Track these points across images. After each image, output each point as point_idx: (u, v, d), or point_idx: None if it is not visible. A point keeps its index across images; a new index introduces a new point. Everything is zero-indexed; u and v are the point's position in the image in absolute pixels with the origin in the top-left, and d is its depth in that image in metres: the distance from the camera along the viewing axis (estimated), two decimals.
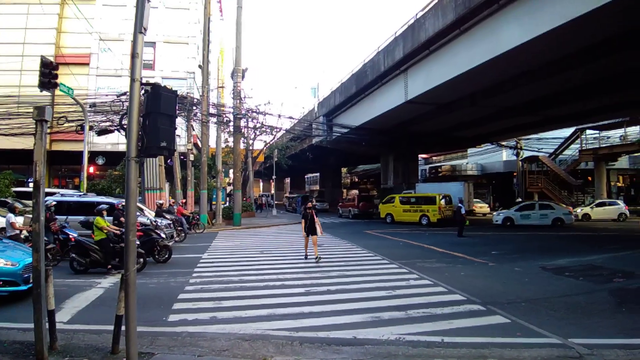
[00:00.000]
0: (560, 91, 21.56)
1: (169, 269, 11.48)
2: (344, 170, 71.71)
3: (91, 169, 24.77)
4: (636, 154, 35.56)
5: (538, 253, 14.32)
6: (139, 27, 4.50)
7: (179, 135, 20.07)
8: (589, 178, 38.26)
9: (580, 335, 6.10)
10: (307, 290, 8.92)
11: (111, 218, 11.90)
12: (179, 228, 18.29)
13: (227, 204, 33.26)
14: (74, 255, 10.84)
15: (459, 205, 20.62)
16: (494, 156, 43.68)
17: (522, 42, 15.03)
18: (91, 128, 20.54)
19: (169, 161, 23.59)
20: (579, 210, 30.88)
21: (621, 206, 30.69)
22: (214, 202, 28.89)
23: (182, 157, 25.04)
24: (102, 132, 13.84)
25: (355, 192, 59.84)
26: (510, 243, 17.40)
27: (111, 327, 5.25)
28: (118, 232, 10.63)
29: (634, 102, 23.86)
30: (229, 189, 41.06)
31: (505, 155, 42.45)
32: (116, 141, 27.80)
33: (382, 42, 24.62)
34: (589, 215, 29.87)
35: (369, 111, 28.36)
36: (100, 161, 28.64)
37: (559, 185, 38.27)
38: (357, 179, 74.74)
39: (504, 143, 38.90)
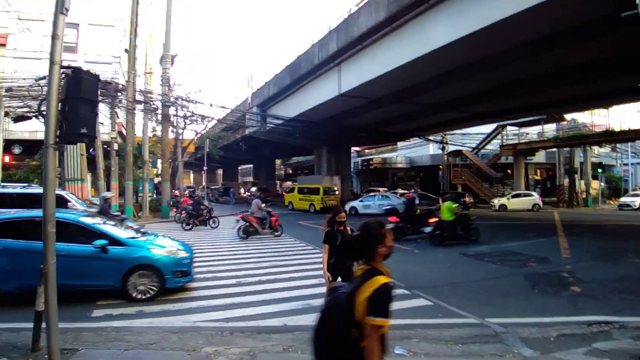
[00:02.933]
0: (483, 90, 22.65)
1: None
2: (278, 161, 71.52)
3: (7, 159, 22.86)
4: (552, 150, 38.41)
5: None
6: (60, 8, 4.26)
7: (102, 123, 18.90)
8: (509, 171, 40.78)
9: (497, 315, 6.61)
10: (239, 282, 8.92)
11: None
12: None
13: (155, 196, 32.08)
14: None
15: (413, 196, 21.96)
16: (422, 150, 45.32)
17: (449, 41, 15.66)
18: (7, 114, 18.94)
19: (91, 150, 22.30)
20: (496, 201, 33.06)
21: (535, 197, 33.23)
22: (140, 194, 27.75)
23: (105, 146, 23.77)
24: (19, 118, 12.86)
25: (289, 183, 60.01)
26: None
27: (31, 325, 4.96)
28: None
29: (551, 102, 25.66)
30: (156, 180, 39.60)
31: (432, 149, 44.14)
32: (34, 129, 25.67)
33: (318, 35, 24.78)
34: (505, 205, 32.06)
35: (303, 103, 28.46)
36: (17, 150, 26.40)
37: (481, 177, 40.55)
38: (291, 171, 74.86)
39: (431, 137, 40.39)
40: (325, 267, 5.86)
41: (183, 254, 8.18)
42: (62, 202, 13.58)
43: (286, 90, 30.04)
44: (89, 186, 23.02)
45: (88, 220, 7.98)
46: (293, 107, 30.02)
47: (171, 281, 7.71)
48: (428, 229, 14.72)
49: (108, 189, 23.05)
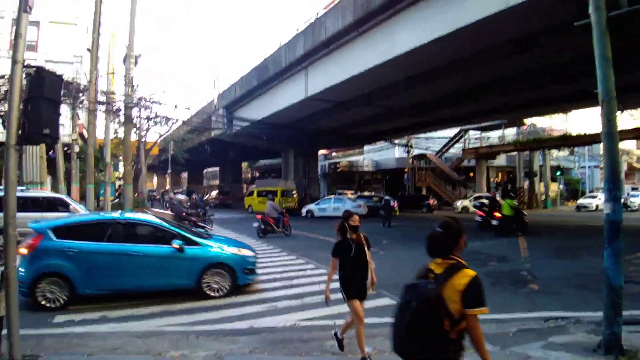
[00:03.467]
0: (447, 94, 23.13)
1: None
2: (244, 164, 70.88)
3: None
4: (512, 153, 39.69)
5: (423, 242, 15.41)
6: (24, 6, 4.18)
7: (62, 125, 18.35)
8: (471, 174, 41.82)
9: None
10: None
11: None
12: None
13: (117, 199, 31.27)
14: None
15: (387, 197, 22.52)
16: (387, 153, 45.88)
17: (415, 46, 16.02)
18: None
19: (50, 153, 21.55)
20: (459, 203, 33.89)
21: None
22: (101, 198, 26.98)
23: (66, 149, 23.01)
24: None
25: (253, 186, 59.65)
26: (396, 232, 18.68)
27: None
28: None
29: (511, 106, 26.54)
30: (118, 183, 38.67)
31: (398, 152, 44.72)
32: None
33: (286, 38, 24.83)
34: (467, 207, 32.91)
35: (270, 105, 28.40)
36: None
37: (445, 180, 41.52)
38: (258, 174, 74.33)
39: (396, 141, 41.02)
40: (327, 287, 5.11)
41: (249, 252, 8.55)
42: (64, 206, 14.02)
43: (253, 92, 29.91)
44: (48, 189, 22.22)
45: (164, 222, 8.37)
46: (260, 109, 29.91)
47: (242, 278, 8.10)
48: (495, 222, 17.36)
49: (68, 193, 22.37)
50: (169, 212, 20.82)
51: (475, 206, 24.56)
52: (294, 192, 33.36)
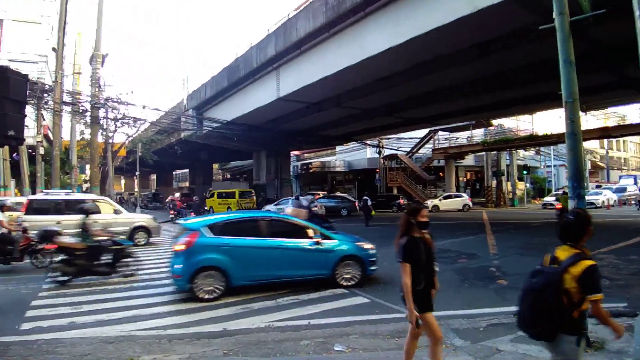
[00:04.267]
0: (417, 95, 23.50)
1: (17, 275, 10.22)
2: (215, 166, 70.07)
3: None
4: (480, 153, 40.63)
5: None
6: None
7: (27, 126, 17.77)
8: (441, 174, 42.63)
9: None
10: (176, 288, 8.70)
11: None
12: None
13: None
14: None
15: (365, 197, 22.76)
16: (359, 154, 46.25)
17: (385, 48, 16.17)
18: None
19: (14, 155, 20.83)
20: (429, 202, 34.45)
21: (465, 198, 35.10)
22: None
23: (30, 151, 22.28)
24: None
25: (210, 189, 59.14)
26: (372, 232, 18.83)
27: None
28: None
29: (479, 107, 27.02)
30: (85, 186, 37.64)
31: (369, 153, 45.14)
32: None
33: (257, 38, 24.70)
34: (437, 206, 33.52)
35: (241, 106, 28.16)
36: None
37: (415, 180, 42.14)
38: (229, 175, 73.61)
39: (368, 142, 41.32)
40: (411, 304, 3.90)
41: (371, 246, 9.07)
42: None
43: (224, 92, 29.60)
44: (12, 193, 21.46)
45: (302, 220, 9.53)
46: (231, 110, 29.65)
47: (369, 270, 8.80)
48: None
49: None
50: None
51: None
52: (253, 193, 34.55)
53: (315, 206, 22.77)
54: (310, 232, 8.52)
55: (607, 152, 57.29)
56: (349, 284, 8.42)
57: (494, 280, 9.02)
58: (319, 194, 36.65)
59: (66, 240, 9.27)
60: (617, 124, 40.07)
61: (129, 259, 9.73)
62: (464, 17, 12.96)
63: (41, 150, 22.38)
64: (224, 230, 8.13)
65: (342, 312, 6.88)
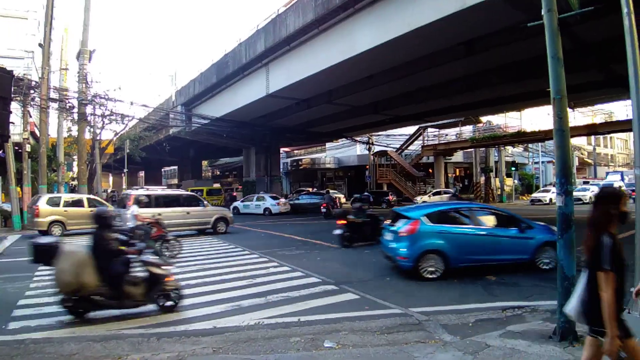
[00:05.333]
0: (407, 92, 23.59)
1: (3, 274, 10.02)
2: (205, 162, 69.68)
3: None
4: (469, 150, 40.92)
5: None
6: None
7: (13, 123, 17.46)
8: (430, 170, 42.92)
9: (419, 305, 6.97)
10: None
11: None
12: None
13: None
14: None
15: (356, 196, 23.06)
16: (349, 150, 46.39)
17: (374, 45, 16.20)
18: None
19: (0, 152, 20.48)
20: (419, 198, 34.62)
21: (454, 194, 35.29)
22: None
23: (16, 148, 21.91)
24: None
25: (217, 185, 58.82)
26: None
27: None
28: None
29: (468, 104, 27.19)
30: (72, 183, 37.19)
31: (359, 149, 45.30)
32: None
33: (246, 34, 24.52)
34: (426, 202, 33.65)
35: (230, 102, 28.04)
36: None
37: (405, 176, 42.34)
38: (218, 172, 73.27)
39: (357, 138, 41.48)
40: (614, 320, 2.95)
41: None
42: (197, 201, 17.77)
43: (213, 89, 29.44)
44: None
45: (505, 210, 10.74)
46: (220, 106, 29.50)
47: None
48: None
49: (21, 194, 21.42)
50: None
51: None
52: (221, 192, 38.47)
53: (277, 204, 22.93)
54: (516, 222, 9.51)
55: (595, 149, 58.15)
56: (548, 267, 9.13)
57: (482, 276, 9.05)
58: (308, 191, 36.86)
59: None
60: (604, 121, 40.63)
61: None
62: (452, 14, 13.02)
63: (28, 148, 22.02)
64: (439, 219, 9.12)
65: (332, 308, 6.86)
